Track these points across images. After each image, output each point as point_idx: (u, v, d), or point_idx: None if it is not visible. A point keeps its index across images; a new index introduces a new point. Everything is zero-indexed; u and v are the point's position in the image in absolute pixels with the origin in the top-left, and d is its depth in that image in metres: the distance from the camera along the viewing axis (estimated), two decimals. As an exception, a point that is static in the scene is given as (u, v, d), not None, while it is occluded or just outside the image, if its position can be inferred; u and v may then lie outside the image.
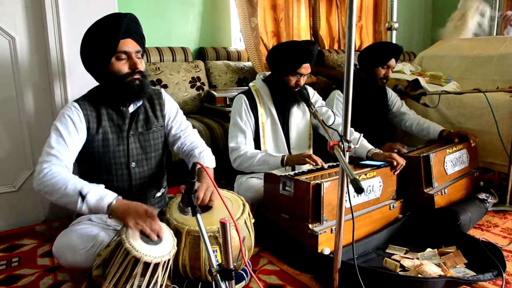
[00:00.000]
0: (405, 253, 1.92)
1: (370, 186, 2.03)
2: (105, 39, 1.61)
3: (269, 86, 2.34)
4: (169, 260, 1.43)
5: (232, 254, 1.20)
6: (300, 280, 1.77)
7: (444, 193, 2.25)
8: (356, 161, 2.24)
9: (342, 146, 1.43)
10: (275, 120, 2.32)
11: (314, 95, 2.48)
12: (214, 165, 1.90)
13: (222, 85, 3.52)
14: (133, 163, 1.76)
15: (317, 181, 1.81)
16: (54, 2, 2.06)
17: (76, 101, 1.70)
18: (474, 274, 1.73)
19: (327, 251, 1.78)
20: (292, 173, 2.03)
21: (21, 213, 2.25)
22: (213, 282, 1.30)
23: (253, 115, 2.28)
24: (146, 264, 1.36)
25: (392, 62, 2.67)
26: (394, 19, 4.09)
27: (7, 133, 2.16)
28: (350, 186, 1.32)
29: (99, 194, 1.47)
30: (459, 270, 1.77)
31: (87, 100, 1.72)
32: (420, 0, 5.65)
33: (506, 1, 4.69)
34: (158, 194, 1.91)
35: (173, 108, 1.92)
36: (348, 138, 1.47)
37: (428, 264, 1.76)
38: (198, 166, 1.32)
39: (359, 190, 1.19)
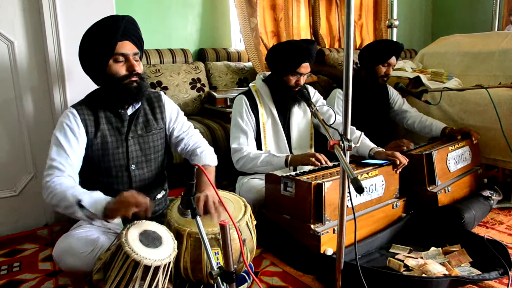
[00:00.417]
0: (408, 253, 1.90)
1: (372, 185, 2.01)
2: (103, 41, 1.61)
3: (269, 86, 2.33)
4: (169, 263, 1.42)
5: (232, 256, 1.19)
6: (302, 281, 1.76)
7: (448, 191, 2.23)
8: (358, 160, 2.22)
9: (343, 145, 1.41)
10: (276, 120, 2.31)
11: (314, 95, 2.46)
12: (216, 163, 1.90)
13: (222, 86, 3.51)
14: (133, 165, 1.75)
15: (318, 181, 1.80)
16: (52, 5, 2.06)
17: (74, 106, 1.70)
18: (480, 273, 1.70)
19: (329, 252, 1.76)
20: (293, 173, 2.02)
21: (22, 217, 2.25)
22: (215, 285, 1.29)
23: (254, 115, 2.27)
24: (147, 268, 1.35)
25: (393, 59, 2.65)
26: (395, 16, 4.07)
27: (7, 137, 2.15)
28: (352, 186, 1.30)
29: (94, 200, 1.46)
30: (464, 269, 1.75)
31: (85, 104, 1.72)
32: (420, -3, 5.63)
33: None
34: (159, 196, 1.90)
35: (173, 110, 1.92)
36: (348, 137, 1.45)
37: (432, 263, 1.74)
38: (196, 167, 1.30)
39: (359, 189, 1.17)
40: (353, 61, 4.23)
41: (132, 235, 1.40)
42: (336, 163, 2.18)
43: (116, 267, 1.37)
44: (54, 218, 2.32)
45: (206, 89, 3.37)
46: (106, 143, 1.70)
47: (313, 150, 2.44)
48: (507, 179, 2.69)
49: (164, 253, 1.40)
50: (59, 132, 1.63)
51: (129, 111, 1.76)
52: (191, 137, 1.92)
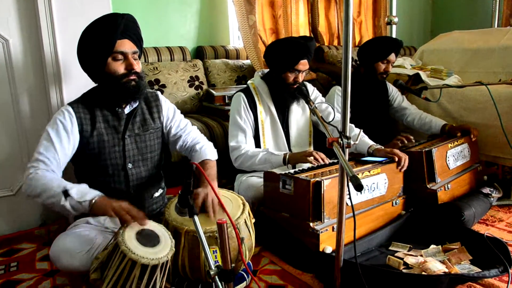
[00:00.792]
0: (408, 250, 1.89)
1: (374, 183, 1.99)
2: (102, 39, 1.60)
3: (268, 83, 2.31)
4: (167, 262, 1.40)
5: (230, 255, 1.18)
6: (301, 279, 1.75)
7: (448, 188, 2.21)
8: (358, 158, 2.21)
9: (342, 142, 1.40)
10: (275, 117, 2.30)
11: (313, 92, 2.45)
12: (216, 157, 1.90)
13: (221, 83, 3.49)
14: (129, 164, 1.74)
15: (317, 179, 1.78)
16: (47, 3, 2.04)
17: (70, 104, 1.69)
18: (480, 270, 1.69)
19: (328, 250, 1.75)
20: (292, 171, 2.00)
21: (19, 217, 2.24)
22: (213, 284, 1.28)
23: (252, 113, 2.26)
24: (144, 267, 1.34)
25: (392, 56, 2.64)
26: (394, 13, 4.06)
27: (3, 137, 2.14)
28: (351, 184, 1.29)
29: (82, 191, 1.46)
30: (464, 266, 1.74)
31: (82, 102, 1.71)
32: (420, -7, 5.62)
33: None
34: (156, 195, 1.89)
35: (170, 109, 1.91)
36: (347, 135, 1.44)
37: (432, 261, 1.73)
38: (195, 166, 1.29)
39: (358, 187, 1.16)
40: (352, 58, 4.23)
41: (129, 234, 1.38)
42: (335, 161, 2.17)
43: (113, 266, 1.36)
44: (51, 218, 2.30)
45: (205, 87, 3.35)
46: (102, 141, 1.69)
47: (312, 148, 2.43)
48: (507, 176, 2.68)
49: (161, 252, 1.39)
50: (51, 128, 1.63)
51: (127, 110, 1.75)
52: (189, 133, 1.92)
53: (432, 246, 1.88)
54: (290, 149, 2.34)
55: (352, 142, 1.41)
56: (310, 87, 2.44)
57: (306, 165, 2.16)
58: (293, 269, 1.83)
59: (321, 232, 1.75)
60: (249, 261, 1.83)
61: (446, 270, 1.67)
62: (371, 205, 2.00)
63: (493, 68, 2.93)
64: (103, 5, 2.18)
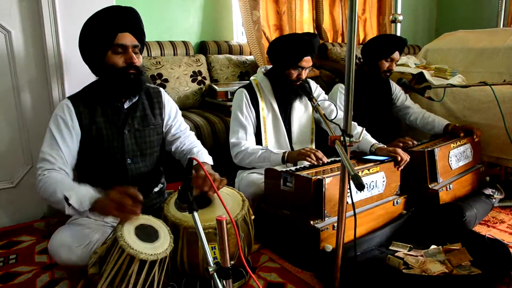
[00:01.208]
0: (409, 250, 1.88)
1: (373, 181, 1.98)
2: (103, 31, 1.59)
3: (271, 80, 2.30)
4: (165, 257, 1.40)
5: (229, 252, 1.17)
6: (301, 278, 1.74)
7: (449, 188, 2.20)
8: (360, 156, 2.19)
9: (344, 140, 1.38)
10: (277, 114, 2.28)
11: (316, 89, 2.43)
12: (211, 163, 1.88)
13: (223, 79, 3.48)
14: (128, 159, 1.73)
15: (318, 177, 1.77)
16: (50, -5, 2.03)
17: (70, 97, 1.69)
18: (480, 272, 1.68)
19: (329, 248, 1.74)
20: (293, 168, 1.99)
21: (19, 209, 2.24)
22: (212, 280, 1.28)
23: (254, 109, 2.24)
24: (142, 262, 1.33)
25: (396, 55, 2.62)
26: (399, 11, 4.02)
27: (4, 129, 2.13)
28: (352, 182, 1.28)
29: (80, 198, 1.44)
30: (464, 268, 1.72)
31: (82, 96, 1.70)
32: (425, -8, 5.58)
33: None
34: (156, 190, 1.89)
35: (173, 108, 1.91)
36: (350, 133, 1.42)
37: (432, 261, 1.72)
38: (195, 162, 1.28)
39: (360, 186, 1.15)
40: (356, 56, 4.21)
41: (128, 229, 1.38)
42: (336, 159, 2.15)
43: (112, 261, 1.35)
44: (51, 211, 2.30)
45: (207, 82, 3.34)
46: (101, 136, 1.68)
47: (314, 145, 2.42)
48: (510, 178, 2.66)
49: (160, 247, 1.38)
50: (52, 124, 1.63)
51: (126, 104, 1.74)
52: (187, 137, 1.92)
53: (433, 246, 1.87)
54: (291, 146, 2.33)
55: (354, 140, 1.40)
56: (313, 84, 2.42)
57: (307, 163, 2.15)
58: (293, 267, 1.82)
59: (322, 230, 1.74)
60: (248, 258, 1.83)
61: (446, 271, 1.66)
62: (370, 203, 1.99)
63: (498, 68, 2.90)
64: (107, -4, 2.16)
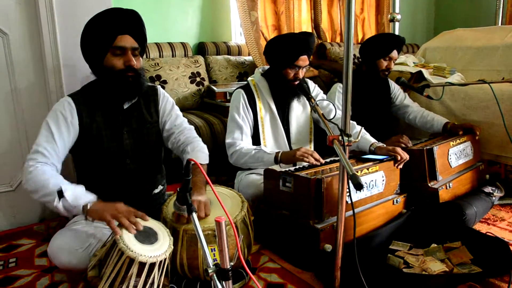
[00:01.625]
0: (409, 249, 1.87)
1: (372, 181, 1.98)
2: (102, 33, 1.59)
3: (268, 80, 2.29)
4: (165, 259, 1.39)
5: (228, 253, 1.17)
6: (301, 278, 1.74)
7: (449, 187, 2.20)
8: (359, 155, 2.19)
9: (342, 140, 1.38)
10: (275, 114, 2.28)
11: (314, 89, 2.43)
12: (207, 161, 1.83)
13: (222, 80, 3.48)
14: (128, 159, 1.73)
15: (317, 177, 1.77)
16: (48, -3, 2.03)
17: (71, 95, 1.68)
18: (480, 270, 1.68)
19: (329, 248, 1.74)
20: (292, 168, 1.99)
21: (19, 212, 2.23)
22: (212, 282, 1.27)
23: (252, 110, 2.24)
24: (142, 264, 1.33)
25: (394, 53, 2.61)
26: (397, 10, 4.02)
27: (2, 132, 2.13)
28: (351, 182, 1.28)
29: (76, 194, 1.45)
30: (465, 266, 1.72)
31: (82, 95, 1.70)
32: (423, -9, 5.58)
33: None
34: (156, 191, 1.88)
35: (168, 103, 1.88)
36: (348, 132, 1.42)
37: (432, 260, 1.72)
38: (192, 163, 1.28)
39: (358, 186, 1.15)
40: (354, 55, 4.20)
41: (127, 232, 1.37)
42: (335, 158, 2.15)
43: (111, 263, 1.35)
44: (51, 214, 2.29)
45: (206, 83, 3.34)
46: (100, 136, 1.68)
47: (312, 145, 2.42)
48: (509, 175, 2.65)
49: (159, 249, 1.38)
50: (51, 118, 1.62)
51: (126, 104, 1.73)
52: (182, 132, 1.85)
53: (433, 245, 1.87)
54: (290, 146, 2.32)
55: (352, 140, 1.40)
56: (311, 84, 2.42)
57: (305, 163, 2.15)
58: (293, 268, 1.82)
59: (321, 230, 1.74)
60: (248, 259, 1.82)
61: (447, 270, 1.66)
62: (370, 202, 1.98)
63: (497, 66, 2.90)
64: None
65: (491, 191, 2.39)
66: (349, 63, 1.37)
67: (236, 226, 1.57)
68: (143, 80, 1.69)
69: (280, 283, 1.72)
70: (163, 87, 3.08)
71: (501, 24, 4.30)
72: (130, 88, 1.64)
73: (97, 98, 1.70)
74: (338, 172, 1.65)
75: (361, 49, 2.72)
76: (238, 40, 3.98)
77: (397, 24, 4.02)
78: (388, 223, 2.02)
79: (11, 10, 2.04)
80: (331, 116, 2.11)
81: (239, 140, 2.20)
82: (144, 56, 3.19)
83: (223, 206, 1.22)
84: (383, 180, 2.03)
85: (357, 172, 1.88)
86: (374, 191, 1.99)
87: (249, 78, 2.36)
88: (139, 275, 1.34)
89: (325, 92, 2.64)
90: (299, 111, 2.35)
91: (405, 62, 3.26)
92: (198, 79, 3.30)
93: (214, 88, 3.17)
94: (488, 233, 1.90)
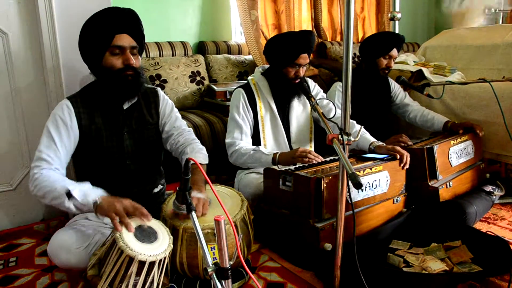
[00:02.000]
0: (409, 248, 1.87)
1: (375, 181, 1.97)
2: (100, 33, 1.58)
3: (268, 79, 2.29)
4: (164, 258, 1.39)
5: (228, 252, 1.17)
6: (301, 277, 1.74)
7: (449, 185, 2.19)
8: (359, 154, 2.19)
9: (342, 139, 1.38)
10: (275, 113, 2.28)
11: (314, 88, 2.43)
12: (206, 162, 1.84)
13: (222, 79, 3.48)
14: (128, 160, 1.73)
15: (317, 176, 1.77)
16: (47, -3, 2.03)
17: (69, 98, 1.68)
18: (480, 269, 1.68)
19: (328, 247, 1.74)
20: (292, 167, 1.99)
21: (19, 212, 2.23)
22: (211, 281, 1.28)
23: (252, 109, 2.24)
24: (141, 263, 1.33)
25: (394, 52, 2.61)
26: (397, 9, 4.02)
27: (2, 131, 2.13)
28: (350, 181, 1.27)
29: (84, 192, 1.45)
30: (465, 265, 1.72)
31: (81, 97, 1.69)
32: (424, -11, 5.57)
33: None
34: (156, 190, 1.89)
35: (168, 105, 1.89)
36: (348, 131, 1.42)
37: (432, 259, 1.72)
38: (192, 162, 1.28)
39: (357, 185, 1.15)
40: (355, 54, 4.18)
41: (127, 231, 1.37)
42: (335, 157, 2.15)
43: (111, 262, 1.36)
44: (51, 213, 2.30)
45: (206, 82, 3.34)
46: (100, 137, 1.68)
47: (313, 145, 2.41)
48: (510, 174, 2.65)
49: (159, 248, 1.38)
50: (50, 123, 1.62)
51: (125, 105, 1.73)
52: (181, 134, 1.86)
53: (433, 244, 1.87)
54: (290, 146, 2.32)
55: (352, 139, 1.39)
56: (311, 83, 2.42)
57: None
58: (293, 267, 1.82)
59: (321, 229, 1.74)
60: (248, 258, 1.82)
61: (447, 269, 1.65)
62: (373, 202, 1.98)
63: (497, 65, 2.90)
64: (103, -2, 2.16)
65: (492, 190, 2.39)
66: (348, 62, 1.37)
67: (235, 225, 1.57)
68: (143, 79, 1.69)
69: (280, 282, 1.71)
70: (163, 87, 3.08)
71: (502, 23, 4.29)
72: (130, 87, 1.64)
73: (96, 99, 1.70)
74: (338, 171, 1.65)
75: (361, 47, 2.72)
76: (238, 39, 3.98)
77: (397, 22, 4.03)
78: (388, 222, 2.02)
79: (10, 9, 2.04)
80: (331, 115, 2.11)
81: (239, 140, 2.20)
82: (144, 55, 3.19)
83: (222, 205, 1.22)
84: (387, 180, 2.02)
85: (360, 172, 1.87)
86: (378, 191, 1.98)
87: (249, 77, 2.36)
88: (138, 274, 1.34)
89: (325, 91, 2.64)
90: (299, 110, 2.35)
91: (406, 61, 3.26)
92: (198, 78, 3.30)
93: (214, 87, 3.17)
94: (488, 232, 1.90)
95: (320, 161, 2.03)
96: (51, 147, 1.59)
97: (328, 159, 2.11)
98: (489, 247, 1.79)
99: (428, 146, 2.18)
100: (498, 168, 2.78)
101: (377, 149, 2.16)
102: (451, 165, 2.30)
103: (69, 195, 1.43)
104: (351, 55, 1.37)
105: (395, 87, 2.86)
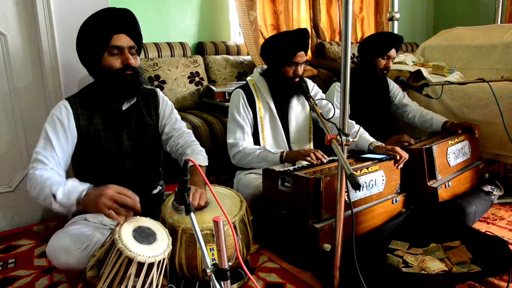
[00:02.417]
0: (408, 248, 1.87)
1: (372, 180, 1.98)
2: (98, 33, 1.58)
3: (267, 79, 2.29)
4: (164, 259, 1.39)
5: (227, 253, 1.17)
6: (300, 277, 1.74)
7: (448, 186, 2.20)
8: (358, 155, 2.19)
9: (340, 140, 1.38)
10: (274, 114, 2.28)
11: (313, 88, 2.43)
12: (206, 163, 1.84)
13: (221, 80, 3.48)
14: (127, 161, 1.73)
15: (316, 176, 1.77)
16: (45, -3, 2.03)
17: (68, 99, 1.68)
18: (480, 269, 1.68)
19: (328, 248, 1.74)
20: (291, 168, 1.99)
21: (18, 213, 2.23)
22: (210, 282, 1.28)
23: (251, 109, 2.24)
24: (140, 264, 1.33)
25: (393, 52, 2.61)
26: (396, 9, 4.02)
27: (1, 132, 2.13)
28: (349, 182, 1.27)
29: (68, 190, 1.43)
30: (464, 265, 1.72)
31: (79, 98, 1.69)
32: (422, -11, 5.58)
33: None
34: (155, 192, 1.88)
35: (168, 107, 1.89)
36: (347, 132, 1.42)
37: (431, 259, 1.72)
38: (191, 163, 1.28)
39: (356, 186, 1.15)
40: (353, 54, 4.19)
41: (126, 232, 1.37)
42: (335, 158, 2.15)
43: (110, 264, 1.35)
44: (50, 214, 2.29)
45: (205, 83, 3.34)
46: (99, 138, 1.68)
47: (312, 144, 2.41)
48: (509, 174, 2.65)
49: (158, 249, 1.38)
50: (48, 124, 1.62)
51: (124, 106, 1.73)
52: (181, 136, 1.87)
53: (432, 244, 1.87)
54: (289, 146, 2.32)
55: (351, 140, 1.40)
56: (310, 83, 2.42)
57: (305, 162, 2.15)
58: (292, 267, 1.82)
59: (320, 229, 1.74)
60: (247, 259, 1.82)
61: (446, 269, 1.66)
62: (369, 202, 1.98)
63: (496, 65, 2.90)
64: (102, -1, 2.16)
65: (491, 190, 2.39)
66: (347, 62, 1.37)
67: (234, 226, 1.57)
68: (142, 78, 1.69)
69: (279, 283, 1.71)
70: (162, 87, 3.08)
71: (500, 23, 4.30)
72: (130, 86, 1.64)
73: (95, 100, 1.70)
74: (336, 171, 1.65)
75: (360, 47, 2.72)
76: (237, 39, 3.98)
77: (396, 23, 4.02)
78: (387, 222, 2.02)
79: (9, 10, 2.03)
80: (330, 115, 2.11)
81: (241, 140, 2.20)
82: (143, 56, 3.19)
83: (221, 206, 1.22)
84: (383, 180, 2.03)
85: (357, 171, 1.88)
86: (374, 190, 1.99)
87: (248, 78, 2.36)
88: (137, 275, 1.34)
89: (324, 92, 2.64)
90: (298, 110, 2.35)
91: (404, 61, 3.26)
92: (197, 79, 3.30)
93: (213, 88, 3.17)
94: (487, 232, 1.90)
95: (319, 162, 2.03)
96: (47, 148, 1.58)
97: (329, 158, 2.11)
98: (488, 247, 1.79)
99: (427, 146, 2.18)
100: (497, 168, 2.79)
101: (377, 150, 2.16)
102: (450, 165, 2.30)
103: (54, 195, 1.42)
104: (349, 55, 1.38)
105: (394, 87, 2.86)
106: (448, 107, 2.83)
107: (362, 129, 2.23)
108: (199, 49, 3.66)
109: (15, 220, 2.23)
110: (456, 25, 3.58)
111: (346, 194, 1.48)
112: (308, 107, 2.37)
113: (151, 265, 1.35)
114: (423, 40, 3.88)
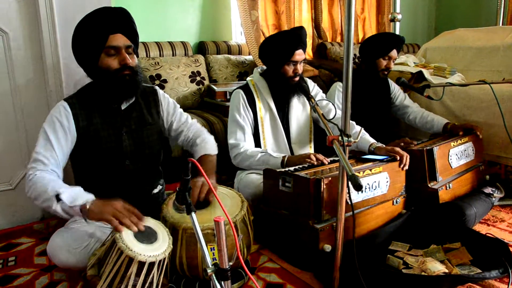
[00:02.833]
0: (408, 250, 1.87)
1: (375, 182, 1.97)
2: (94, 34, 1.57)
3: (267, 79, 2.29)
4: (164, 259, 1.39)
5: (227, 253, 1.17)
6: (300, 278, 1.74)
7: (449, 187, 2.19)
8: (358, 156, 2.19)
9: (342, 141, 1.38)
10: (274, 114, 2.28)
11: (314, 88, 2.43)
12: (216, 151, 1.89)
13: (222, 79, 3.48)
14: (127, 160, 1.72)
15: (316, 177, 1.77)
16: (48, -4, 2.03)
17: (66, 99, 1.67)
18: (480, 271, 1.68)
19: (328, 248, 1.74)
20: (292, 168, 1.99)
21: (19, 211, 2.23)
22: (211, 282, 1.28)
23: (251, 110, 2.24)
24: (141, 264, 1.33)
25: (394, 53, 2.61)
26: (398, 10, 4.01)
27: (2, 131, 2.13)
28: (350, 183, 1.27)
29: (73, 195, 1.43)
30: (464, 267, 1.72)
31: (78, 98, 1.69)
32: (424, -10, 5.57)
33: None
34: (155, 191, 1.88)
35: (170, 104, 1.89)
36: (348, 132, 1.42)
37: (432, 261, 1.72)
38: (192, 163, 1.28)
39: (357, 187, 1.14)
40: (355, 55, 4.19)
41: (127, 231, 1.37)
42: (335, 159, 2.15)
43: (110, 263, 1.35)
44: (51, 212, 2.29)
45: (206, 82, 3.34)
46: (99, 138, 1.67)
47: (312, 145, 2.41)
48: (509, 176, 2.65)
49: (159, 249, 1.38)
50: (47, 125, 1.61)
51: (123, 105, 1.73)
52: (190, 128, 1.91)
53: (433, 246, 1.87)
54: (290, 146, 2.32)
55: (352, 140, 1.39)
56: (310, 83, 2.42)
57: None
58: (292, 268, 1.82)
59: (321, 230, 1.74)
60: (248, 259, 1.82)
61: (446, 271, 1.65)
62: (372, 203, 1.97)
63: (497, 66, 2.90)
64: (104, -2, 2.16)
65: (491, 192, 2.39)
66: (349, 62, 1.37)
67: (235, 226, 1.57)
68: (140, 78, 1.68)
69: (279, 283, 1.71)
70: (163, 87, 3.08)
71: (502, 24, 4.30)
72: (128, 86, 1.63)
73: (94, 100, 1.69)
74: (337, 172, 1.65)
75: (361, 48, 2.72)
76: (238, 39, 3.98)
77: (397, 24, 4.02)
78: (387, 224, 2.02)
79: (11, 9, 2.03)
80: (331, 116, 2.11)
81: (243, 141, 2.20)
82: (144, 55, 3.19)
83: (222, 206, 1.22)
84: (387, 182, 2.02)
85: (360, 173, 1.87)
86: (377, 192, 1.98)
87: (248, 78, 2.36)
88: (138, 274, 1.34)
89: (326, 92, 2.64)
90: (299, 110, 2.35)
91: (406, 62, 3.26)
92: (198, 78, 3.30)
93: (214, 87, 3.17)
94: (488, 234, 1.90)
95: (319, 163, 2.03)
96: (47, 148, 1.58)
97: (330, 159, 2.11)
98: (488, 249, 1.78)
99: (428, 148, 2.18)
100: (497, 170, 2.78)
101: (377, 150, 2.16)
102: (451, 167, 2.30)
103: (58, 198, 1.41)
104: (351, 56, 1.37)
105: (395, 88, 2.86)
106: (449, 109, 2.83)
107: (363, 130, 2.23)
108: (201, 48, 3.66)
109: (15, 218, 2.23)
110: (457, 27, 3.58)
111: (347, 195, 1.47)
112: (308, 107, 2.37)
113: (151, 265, 1.35)
114: (425, 41, 3.88)
